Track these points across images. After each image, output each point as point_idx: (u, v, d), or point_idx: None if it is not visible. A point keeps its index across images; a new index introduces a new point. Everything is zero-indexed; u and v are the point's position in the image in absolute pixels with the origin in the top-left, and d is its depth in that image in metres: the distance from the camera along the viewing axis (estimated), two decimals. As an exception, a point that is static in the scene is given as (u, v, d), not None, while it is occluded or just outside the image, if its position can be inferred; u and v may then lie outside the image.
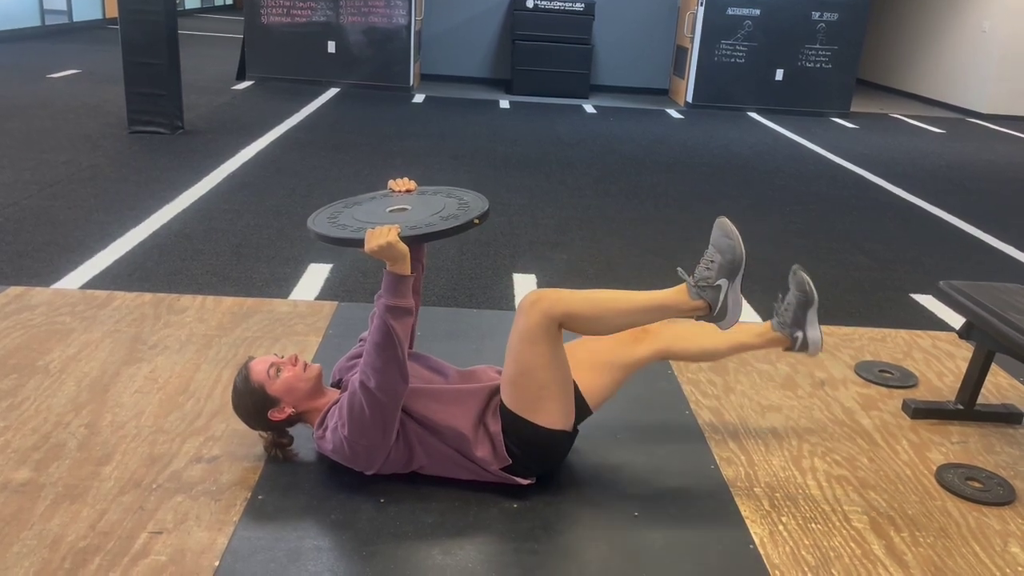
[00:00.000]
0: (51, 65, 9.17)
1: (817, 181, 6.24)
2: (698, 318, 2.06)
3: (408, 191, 2.25)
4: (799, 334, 2.23)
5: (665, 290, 2.06)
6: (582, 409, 2.10)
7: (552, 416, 2.02)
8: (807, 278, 2.21)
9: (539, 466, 2.09)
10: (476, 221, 2.01)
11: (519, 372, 1.99)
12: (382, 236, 1.87)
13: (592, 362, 2.16)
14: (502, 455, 2.03)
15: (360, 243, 1.90)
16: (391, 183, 2.27)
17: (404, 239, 1.89)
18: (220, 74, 9.30)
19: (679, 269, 2.11)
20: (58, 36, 12.00)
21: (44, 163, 5.23)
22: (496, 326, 3.07)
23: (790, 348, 2.27)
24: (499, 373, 2.16)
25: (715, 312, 2.01)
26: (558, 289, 2.05)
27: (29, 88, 7.78)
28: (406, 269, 1.92)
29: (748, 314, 3.59)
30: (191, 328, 2.91)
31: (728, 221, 2.00)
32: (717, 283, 1.99)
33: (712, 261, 2.00)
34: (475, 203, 2.13)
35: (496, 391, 2.08)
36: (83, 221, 4.22)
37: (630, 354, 2.17)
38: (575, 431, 2.11)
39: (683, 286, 2.03)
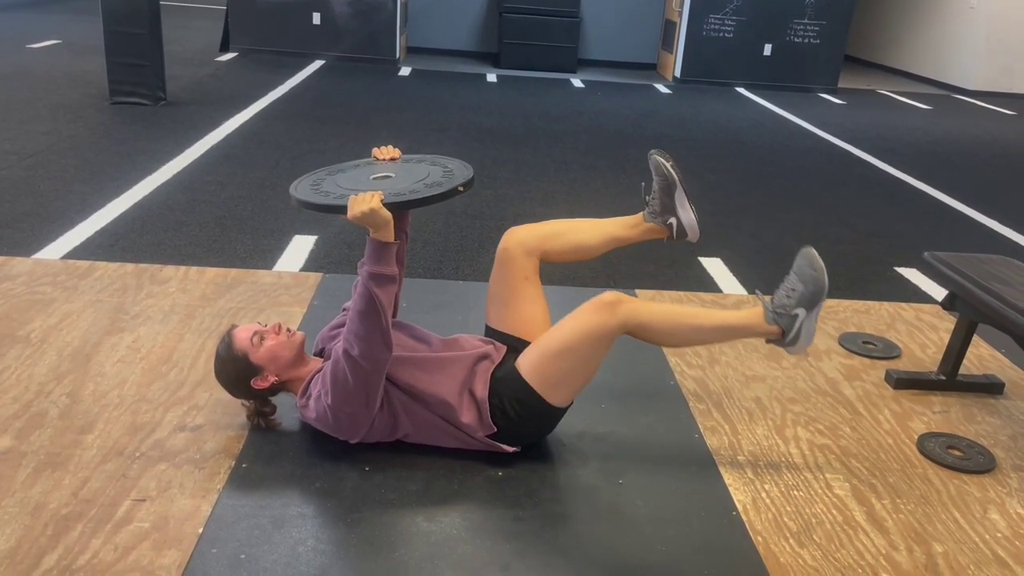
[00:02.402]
0: (31, 35, 9.02)
1: (804, 156, 6.24)
2: (768, 341, 2.07)
3: (392, 159, 2.23)
4: (672, 220, 2.20)
5: (741, 311, 2.07)
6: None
7: (563, 397, 2.04)
8: (663, 160, 2.18)
9: (531, 436, 2.09)
10: (461, 188, 2.00)
11: (558, 354, 1.98)
12: (365, 202, 1.85)
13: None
14: (487, 423, 2.03)
15: (343, 210, 1.88)
16: (375, 151, 2.25)
17: (387, 206, 1.88)
18: (203, 45, 9.18)
19: (756, 292, 2.15)
20: (38, 6, 11.78)
21: (24, 134, 5.15)
22: (482, 298, 3.05)
23: (670, 238, 2.23)
24: (482, 341, 2.16)
25: (787, 339, 2.02)
26: (636, 298, 2.05)
27: (8, 59, 7.65)
28: (389, 236, 1.90)
29: (736, 287, 3.59)
30: (174, 298, 2.89)
31: (815, 253, 2.01)
32: (795, 312, 1.99)
33: (793, 290, 2.00)
34: (460, 171, 2.11)
35: (480, 358, 2.08)
36: (64, 192, 4.17)
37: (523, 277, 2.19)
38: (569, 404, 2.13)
39: (759, 309, 2.04)
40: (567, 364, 1.99)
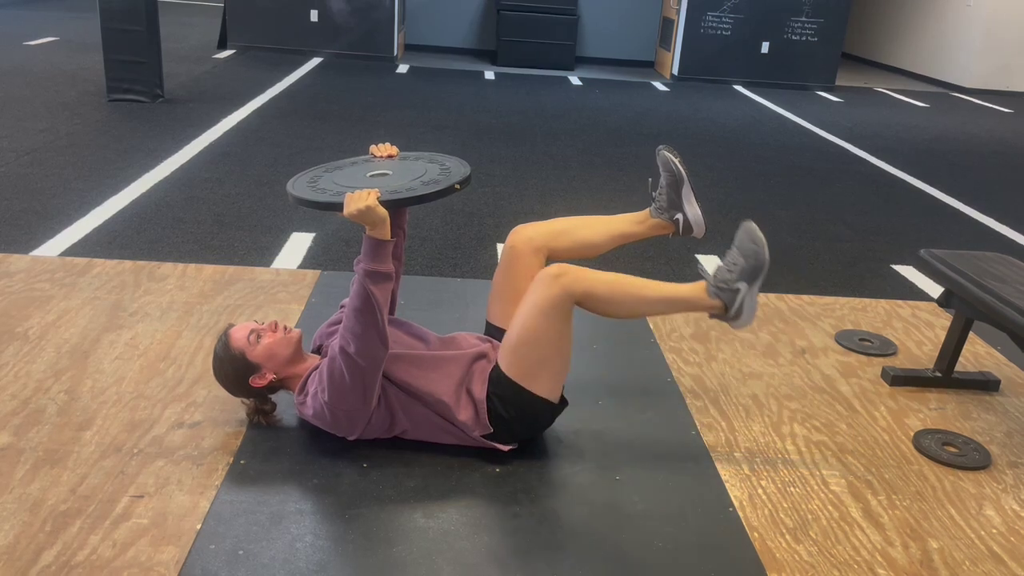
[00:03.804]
0: (28, 32, 9.00)
1: (801, 154, 6.25)
2: (712, 316, 2.06)
3: (390, 156, 2.24)
4: (679, 216, 2.20)
5: (685, 284, 2.06)
6: None
7: (547, 386, 2.03)
8: (671, 156, 2.18)
9: (525, 432, 2.10)
10: (457, 186, 2.00)
11: (524, 341, 1.98)
12: (361, 200, 1.85)
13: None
14: (484, 423, 2.03)
15: (339, 207, 1.88)
16: (373, 148, 2.25)
17: (383, 203, 1.88)
18: (201, 43, 9.17)
19: (700, 266, 2.11)
20: (35, 3, 11.77)
21: (21, 131, 5.15)
22: (479, 295, 3.07)
23: (676, 233, 2.23)
24: (480, 340, 2.16)
25: (730, 313, 2.01)
26: (581, 267, 2.03)
27: (5, 55, 7.63)
28: (385, 234, 1.90)
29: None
30: (172, 296, 2.89)
31: (755, 227, 1.99)
32: (736, 286, 1.98)
33: (735, 264, 1.99)
34: (457, 168, 2.12)
35: (478, 357, 2.08)
36: (61, 189, 4.17)
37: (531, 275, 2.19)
38: (564, 402, 2.13)
39: (703, 283, 2.03)
40: (535, 349, 1.98)
